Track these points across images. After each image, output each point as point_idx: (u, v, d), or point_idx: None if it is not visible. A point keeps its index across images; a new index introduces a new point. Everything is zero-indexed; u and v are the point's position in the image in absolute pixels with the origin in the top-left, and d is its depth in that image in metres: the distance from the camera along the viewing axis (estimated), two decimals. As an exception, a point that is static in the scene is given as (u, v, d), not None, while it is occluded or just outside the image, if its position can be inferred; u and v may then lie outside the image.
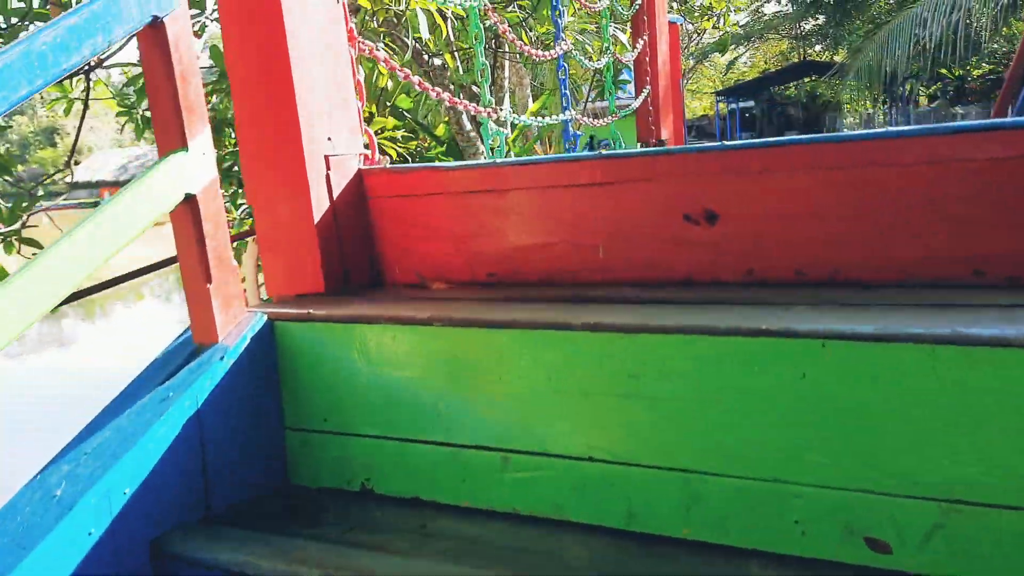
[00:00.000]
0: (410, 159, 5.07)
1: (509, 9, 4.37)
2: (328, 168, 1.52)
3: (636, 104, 4.42)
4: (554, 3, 3.07)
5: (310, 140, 1.48)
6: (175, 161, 1.27)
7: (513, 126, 5.15)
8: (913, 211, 1.22)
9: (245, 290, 1.67)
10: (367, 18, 3.05)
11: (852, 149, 1.24)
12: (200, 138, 1.30)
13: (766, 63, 38.34)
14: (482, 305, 1.32)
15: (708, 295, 1.27)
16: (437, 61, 4.40)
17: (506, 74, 5.32)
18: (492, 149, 2.47)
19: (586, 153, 1.41)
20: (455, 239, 1.54)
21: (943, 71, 19.09)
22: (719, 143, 1.33)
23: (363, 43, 1.71)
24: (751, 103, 30.70)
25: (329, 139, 1.53)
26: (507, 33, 2.56)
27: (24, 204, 3.18)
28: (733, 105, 26.26)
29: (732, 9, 6.07)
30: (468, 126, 4.64)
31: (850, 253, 1.26)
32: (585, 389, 1.15)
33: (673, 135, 4.72)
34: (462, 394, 1.24)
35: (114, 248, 1.19)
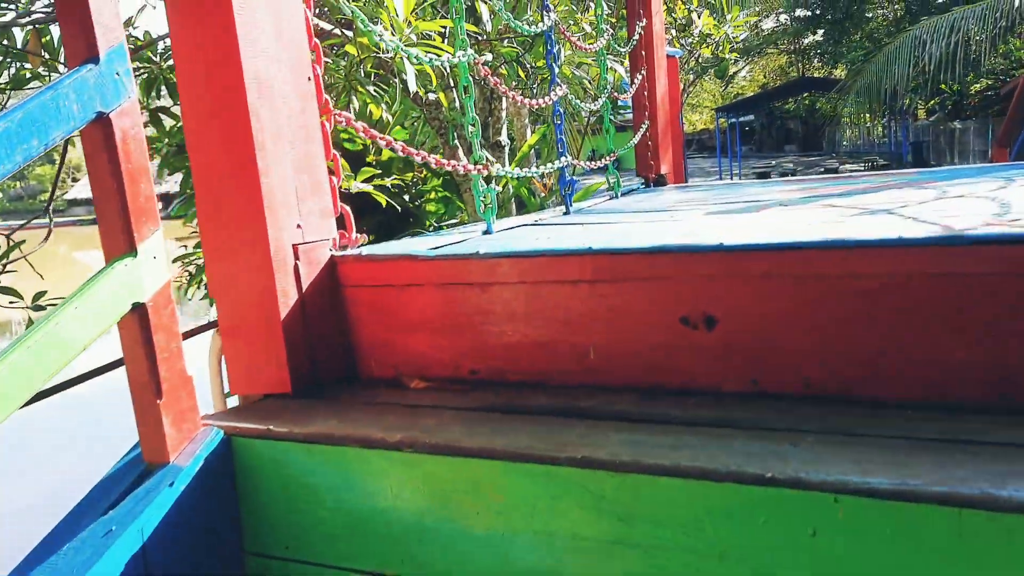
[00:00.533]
0: (405, 189, 4.98)
1: (506, 43, 4.28)
2: (297, 258, 1.41)
3: (635, 140, 4.33)
4: (549, 48, 2.97)
5: (277, 230, 1.37)
6: (122, 268, 1.16)
7: (509, 159, 5.07)
8: (931, 325, 1.11)
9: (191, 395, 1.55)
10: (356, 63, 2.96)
11: (863, 256, 1.13)
12: (150, 241, 1.19)
13: (765, 77, 38.48)
14: (459, 421, 1.20)
15: (708, 412, 1.16)
16: (433, 96, 4.31)
17: (503, 104, 5.23)
18: (484, 206, 2.36)
19: (575, 247, 1.31)
20: (435, 333, 1.43)
21: (942, 86, 19.09)
22: (718, 243, 1.22)
23: (339, 115, 1.60)
24: (751, 117, 30.73)
25: (298, 226, 1.43)
26: (499, 85, 2.46)
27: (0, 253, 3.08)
28: (733, 119, 26.24)
29: (731, 37, 6.00)
30: (464, 159, 4.55)
31: (862, 367, 1.15)
32: (572, 531, 1.04)
33: (673, 170, 4.62)
34: (437, 527, 1.12)
35: (55, 368, 1.08)
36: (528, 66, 4.73)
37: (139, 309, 1.18)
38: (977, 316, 1.09)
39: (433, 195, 5.17)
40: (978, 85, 21.58)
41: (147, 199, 1.19)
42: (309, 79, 1.47)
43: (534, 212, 4.59)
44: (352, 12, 1.77)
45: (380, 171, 3.46)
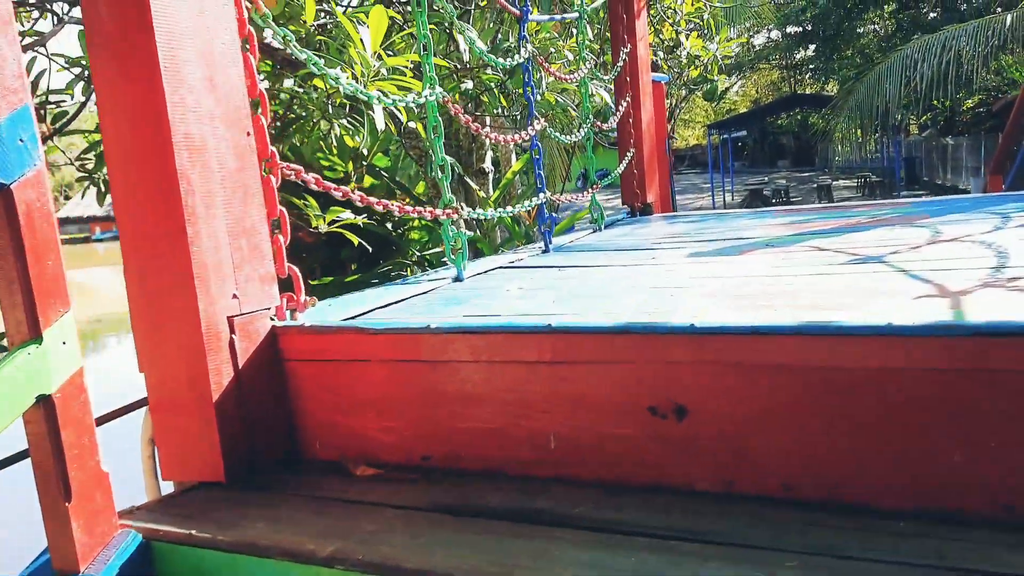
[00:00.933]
0: (389, 217, 4.86)
1: (488, 71, 4.18)
2: (233, 331, 1.29)
3: (621, 168, 4.23)
4: (527, 80, 2.87)
5: (209, 302, 1.26)
6: (25, 356, 1.04)
7: (494, 186, 4.96)
8: (925, 425, 0.99)
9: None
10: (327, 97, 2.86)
11: (849, 345, 1.02)
12: (59, 324, 1.07)
13: (757, 92, 38.66)
14: (402, 526, 1.08)
15: (678, 519, 1.04)
16: (412, 124, 4.21)
17: (486, 129, 5.13)
18: (454, 251, 2.25)
19: (533, 324, 1.19)
20: (384, 413, 1.31)
21: (934, 102, 19.14)
22: (688, 324, 1.11)
23: (288, 168, 1.49)
24: (743, 132, 30.79)
25: (235, 296, 1.31)
26: (470, 124, 2.36)
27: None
28: (725, 135, 26.26)
29: (719, 58, 5.93)
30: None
31: (849, 469, 1.03)
32: (519, 665, 0.92)
33: (659, 198, 4.52)
34: (372, 652, 1.00)
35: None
36: (511, 93, 4.64)
37: (45, 402, 1.06)
38: (977, 415, 0.97)
39: (416, 223, 5.05)
40: (970, 102, 21.64)
41: (54, 278, 1.07)
42: (249, 133, 1.36)
43: (517, 243, 4.47)
44: (307, 58, 1.66)
45: (355, 207, 3.34)
